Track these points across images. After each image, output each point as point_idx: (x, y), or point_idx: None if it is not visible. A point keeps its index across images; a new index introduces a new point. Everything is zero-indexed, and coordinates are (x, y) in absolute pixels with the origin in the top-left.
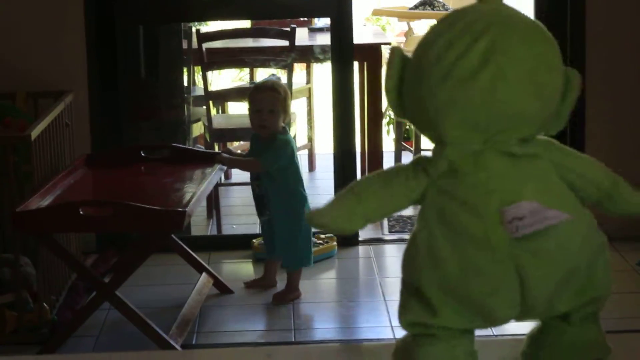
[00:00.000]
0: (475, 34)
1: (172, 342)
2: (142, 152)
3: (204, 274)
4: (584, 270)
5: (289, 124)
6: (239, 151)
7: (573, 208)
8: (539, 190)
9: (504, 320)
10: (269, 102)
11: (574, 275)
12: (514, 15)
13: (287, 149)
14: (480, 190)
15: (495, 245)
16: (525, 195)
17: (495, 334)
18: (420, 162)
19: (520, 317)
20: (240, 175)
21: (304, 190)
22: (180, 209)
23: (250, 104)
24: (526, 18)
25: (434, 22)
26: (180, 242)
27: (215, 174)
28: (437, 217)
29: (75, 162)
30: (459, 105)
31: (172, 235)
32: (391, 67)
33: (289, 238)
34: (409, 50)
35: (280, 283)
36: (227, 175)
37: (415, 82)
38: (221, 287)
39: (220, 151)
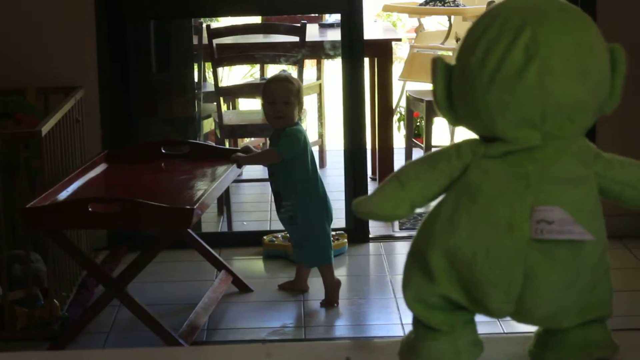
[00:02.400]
0: (513, 32)
1: (180, 340)
2: (162, 149)
3: (222, 271)
4: (586, 291)
5: (301, 119)
6: (258, 149)
7: (598, 230)
8: (576, 202)
9: (495, 312)
10: (283, 93)
11: (578, 292)
12: (548, 3)
13: (299, 137)
14: (522, 182)
15: (514, 239)
16: (561, 202)
17: (505, 331)
18: (467, 144)
19: (515, 317)
20: (251, 172)
21: (322, 185)
22: (188, 207)
23: (264, 96)
24: (560, 3)
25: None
26: (198, 238)
27: (231, 171)
28: (469, 193)
29: (96, 158)
30: (511, 106)
31: (190, 231)
32: (436, 78)
33: (309, 235)
34: (419, 45)
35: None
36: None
37: (464, 90)
38: (240, 285)
39: (239, 148)
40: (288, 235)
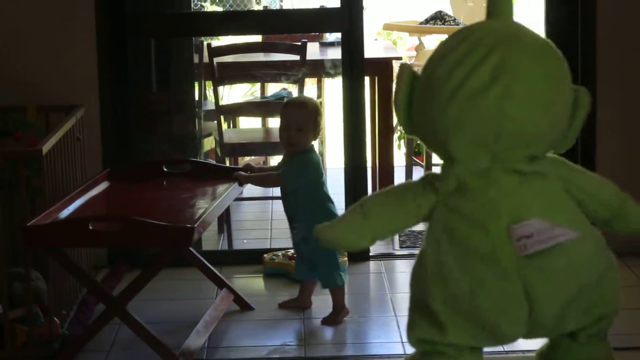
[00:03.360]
0: (484, 52)
1: (181, 359)
2: (164, 167)
3: (224, 289)
4: (592, 288)
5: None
6: (259, 166)
7: (581, 226)
8: (547, 208)
9: (512, 338)
10: (297, 119)
11: (582, 292)
12: (523, 32)
13: (307, 169)
14: (488, 208)
15: (503, 263)
16: (533, 212)
17: (505, 349)
18: (429, 179)
19: (528, 335)
20: (252, 190)
21: (334, 210)
22: (188, 225)
23: (280, 119)
24: (535, 35)
25: (446, 36)
26: (199, 256)
27: (232, 190)
28: (445, 234)
29: (98, 176)
30: (468, 122)
31: (191, 250)
32: (401, 83)
33: (319, 257)
34: (420, 64)
35: (316, 304)
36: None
37: (425, 99)
38: (241, 304)
39: (240, 167)
40: (295, 254)
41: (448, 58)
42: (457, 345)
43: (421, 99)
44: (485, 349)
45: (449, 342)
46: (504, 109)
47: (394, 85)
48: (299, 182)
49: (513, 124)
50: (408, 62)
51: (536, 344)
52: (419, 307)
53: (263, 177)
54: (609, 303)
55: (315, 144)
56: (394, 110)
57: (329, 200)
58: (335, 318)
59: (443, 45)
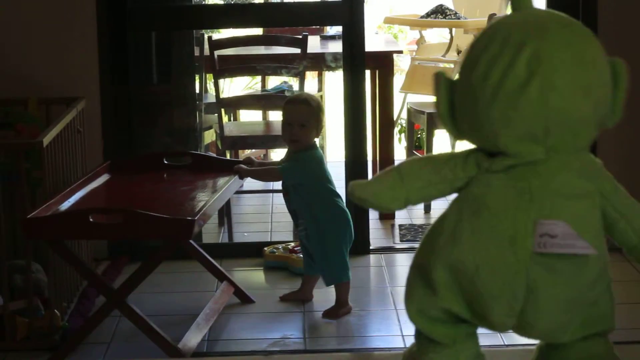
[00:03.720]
0: (515, 47)
1: (181, 351)
2: (164, 160)
3: (224, 282)
4: (588, 305)
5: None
6: (259, 160)
7: (600, 245)
8: (579, 217)
9: (497, 326)
10: (300, 115)
11: (579, 306)
12: (549, 19)
13: (308, 166)
14: (525, 197)
15: (518, 253)
16: (564, 216)
17: (506, 343)
18: (474, 155)
19: (518, 331)
20: (252, 183)
21: (342, 205)
22: (189, 218)
23: (283, 115)
24: (561, 18)
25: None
26: (200, 250)
27: (232, 183)
28: (473, 207)
29: (99, 168)
30: (514, 120)
31: (191, 242)
32: (439, 93)
33: (322, 253)
34: (420, 57)
35: (317, 297)
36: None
37: (466, 104)
38: (242, 297)
39: (241, 159)
40: (298, 248)
41: (481, 60)
42: (450, 312)
43: (462, 105)
44: (485, 343)
45: (440, 306)
46: (548, 102)
47: (435, 95)
48: (299, 178)
49: (559, 115)
50: (442, 69)
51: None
52: (418, 275)
53: (263, 171)
54: (605, 322)
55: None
56: (438, 120)
57: (335, 195)
58: (336, 312)
59: (473, 47)
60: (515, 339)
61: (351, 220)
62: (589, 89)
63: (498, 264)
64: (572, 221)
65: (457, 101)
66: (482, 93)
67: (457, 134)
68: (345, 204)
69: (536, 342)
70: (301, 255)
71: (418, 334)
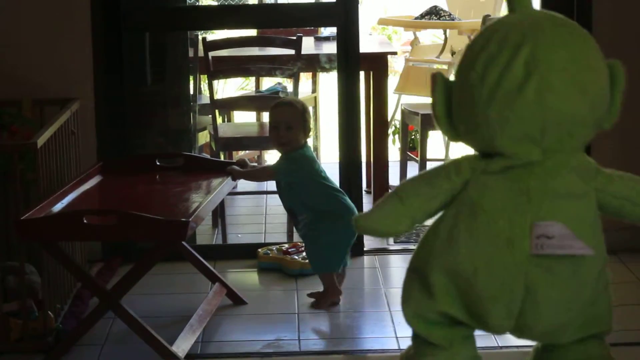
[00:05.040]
0: (513, 48)
1: (175, 353)
2: (157, 161)
3: (217, 284)
4: (587, 305)
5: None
6: (253, 163)
7: (598, 245)
8: (576, 218)
9: (495, 328)
10: (286, 118)
11: (578, 307)
12: (546, 20)
13: (300, 164)
14: (522, 198)
15: (515, 255)
16: (561, 217)
17: (500, 345)
18: (466, 160)
19: (515, 333)
20: (246, 184)
21: (346, 200)
22: (183, 219)
23: (269, 120)
24: (559, 20)
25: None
26: (192, 251)
27: (226, 184)
28: (468, 209)
29: (91, 169)
30: (511, 121)
31: (184, 244)
32: (435, 93)
33: (312, 243)
34: (415, 59)
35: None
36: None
37: (464, 105)
38: (234, 298)
39: (234, 160)
40: (293, 250)
41: (479, 61)
42: (447, 315)
43: (459, 106)
44: (479, 344)
45: (438, 310)
46: (545, 102)
47: (431, 96)
48: (292, 176)
49: (556, 115)
50: (438, 70)
51: (531, 340)
52: (415, 279)
53: (256, 172)
54: (603, 323)
55: (310, 139)
56: (434, 121)
57: (337, 190)
58: (320, 302)
59: (470, 48)
60: (510, 340)
61: (356, 211)
62: (585, 90)
63: (496, 266)
64: (570, 221)
65: (454, 102)
66: (479, 94)
67: (453, 135)
68: (349, 200)
69: (532, 343)
70: (295, 257)
71: (415, 337)
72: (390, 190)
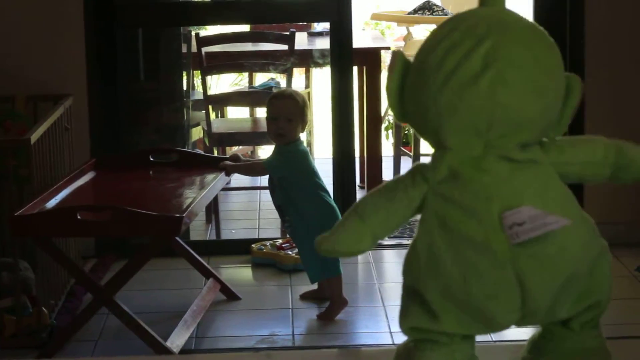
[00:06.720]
0: (476, 39)
1: (169, 348)
2: (150, 157)
3: (210, 279)
4: (584, 276)
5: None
6: (246, 158)
7: (573, 213)
8: (539, 195)
9: (505, 326)
10: (286, 110)
11: (574, 280)
12: (515, 19)
13: (293, 159)
14: (481, 196)
15: (496, 250)
16: (525, 200)
17: (494, 339)
18: (418, 170)
19: (520, 322)
20: (239, 180)
21: (329, 200)
22: (177, 215)
23: (267, 111)
24: (527, 22)
25: (434, 26)
26: (186, 247)
27: (219, 180)
28: (437, 222)
29: (84, 165)
30: (460, 110)
31: (178, 239)
32: (393, 70)
33: (307, 249)
34: (410, 54)
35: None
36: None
37: (417, 87)
38: (228, 293)
39: (227, 156)
40: (286, 245)
41: (440, 46)
42: (450, 333)
43: (413, 86)
44: (477, 338)
45: (442, 331)
46: (496, 96)
47: (384, 72)
48: (284, 171)
49: (505, 111)
50: (400, 49)
51: (527, 333)
52: (412, 296)
53: (248, 166)
54: (601, 290)
55: (304, 135)
56: (386, 96)
57: (322, 189)
58: (331, 312)
59: (435, 33)
60: (502, 335)
61: (339, 215)
62: (539, 92)
63: (482, 267)
64: (534, 200)
65: (409, 82)
66: (434, 78)
67: (401, 116)
68: (332, 199)
69: (526, 337)
70: (289, 252)
71: None
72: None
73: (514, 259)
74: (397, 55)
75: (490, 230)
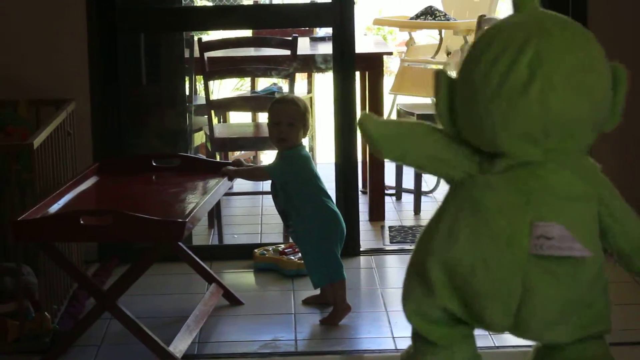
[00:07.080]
0: (517, 48)
1: (172, 353)
2: (153, 161)
3: (213, 284)
4: (586, 306)
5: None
6: (249, 163)
7: (595, 248)
8: (574, 218)
9: (493, 326)
10: (288, 115)
11: (575, 307)
12: (551, 21)
13: (295, 164)
14: (522, 198)
15: (514, 254)
16: (560, 217)
17: (497, 345)
18: (479, 155)
19: (512, 331)
20: (242, 185)
21: (331, 205)
22: (179, 220)
23: (269, 116)
24: (562, 20)
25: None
26: (189, 252)
27: (222, 185)
28: (470, 207)
29: (87, 170)
30: (514, 120)
31: (181, 244)
32: (439, 91)
33: (310, 254)
34: (410, 59)
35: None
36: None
37: (467, 103)
38: (231, 298)
39: (230, 161)
40: (289, 250)
41: (483, 59)
42: (447, 311)
43: (463, 103)
44: (483, 344)
45: (438, 306)
46: (548, 102)
47: (434, 93)
48: (286, 176)
49: (559, 115)
50: (442, 68)
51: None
52: (416, 274)
53: (250, 171)
54: (602, 323)
55: (306, 140)
56: (436, 118)
57: (324, 194)
58: (334, 317)
59: (474, 46)
60: (506, 340)
61: (342, 219)
62: (588, 92)
63: (495, 264)
64: (569, 223)
65: (457, 100)
66: (483, 91)
67: (455, 133)
68: (335, 204)
69: (532, 343)
70: (292, 257)
71: (415, 336)
72: (386, 190)
73: (527, 268)
74: (440, 74)
75: (516, 233)
